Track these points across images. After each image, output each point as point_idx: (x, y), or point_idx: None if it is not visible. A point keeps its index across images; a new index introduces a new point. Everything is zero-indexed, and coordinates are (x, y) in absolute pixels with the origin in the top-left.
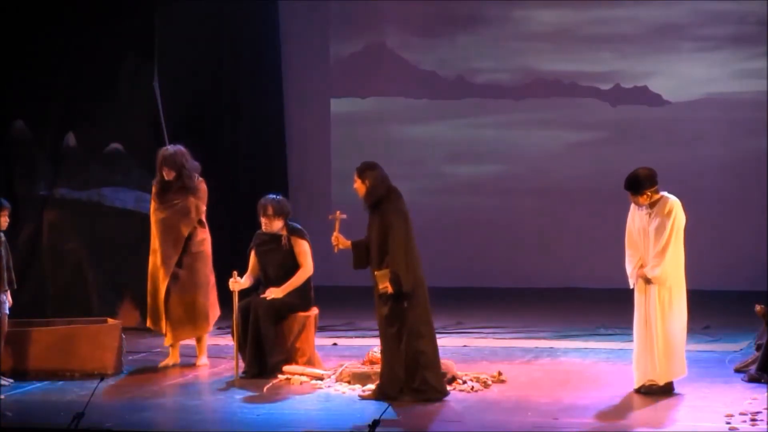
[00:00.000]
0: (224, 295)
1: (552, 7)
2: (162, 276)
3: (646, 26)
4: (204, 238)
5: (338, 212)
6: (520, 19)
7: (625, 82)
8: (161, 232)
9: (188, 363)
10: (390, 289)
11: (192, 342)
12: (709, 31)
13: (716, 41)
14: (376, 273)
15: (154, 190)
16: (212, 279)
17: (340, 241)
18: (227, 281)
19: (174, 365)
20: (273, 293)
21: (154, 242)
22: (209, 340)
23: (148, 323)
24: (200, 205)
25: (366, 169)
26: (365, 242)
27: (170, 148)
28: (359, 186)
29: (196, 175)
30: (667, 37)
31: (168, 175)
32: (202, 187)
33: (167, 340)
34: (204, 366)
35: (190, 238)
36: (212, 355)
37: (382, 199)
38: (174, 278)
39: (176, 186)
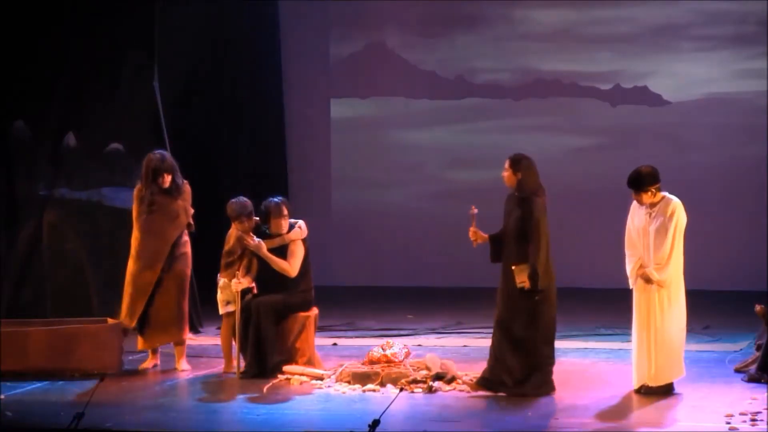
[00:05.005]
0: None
1: (552, 7)
2: (146, 282)
3: (646, 26)
4: (186, 240)
5: (473, 207)
6: (520, 19)
7: (625, 82)
8: (148, 237)
9: (190, 363)
10: (528, 285)
11: (192, 343)
12: (709, 31)
13: (716, 41)
14: (513, 267)
15: (136, 194)
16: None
17: (478, 235)
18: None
19: (155, 367)
20: (258, 245)
21: (136, 246)
22: (209, 340)
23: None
24: (188, 207)
25: (521, 160)
26: (501, 236)
27: (164, 154)
28: (509, 176)
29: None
30: (667, 37)
31: (167, 181)
32: (187, 188)
33: (149, 344)
34: (186, 371)
35: (175, 241)
36: (212, 356)
37: (533, 194)
38: (158, 282)
39: (161, 189)
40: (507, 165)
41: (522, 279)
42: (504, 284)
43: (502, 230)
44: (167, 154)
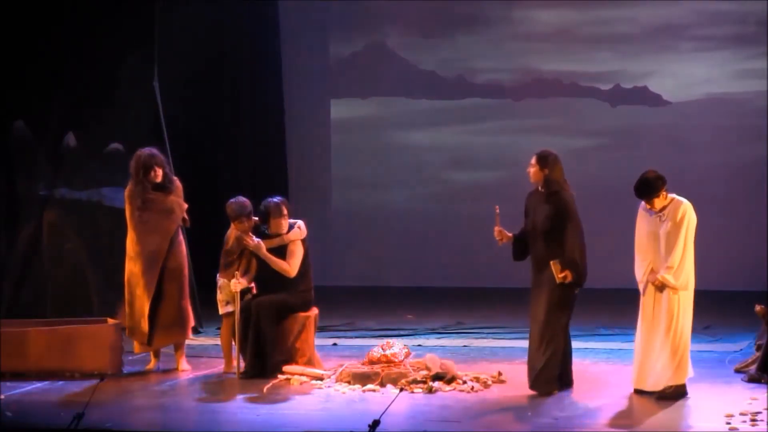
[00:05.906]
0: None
1: (552, 7)
2: (146, 282)
3: (646, 26)
4: (182, 239)
5: (497, 207)
6: (520, 19)
7: (625, 83)
8: (146, 235)
9: (190, 363)
10: (570, 277)
11: (192, 343)
12: (709, 31)
13: (716, 41)
14: (552, 263)
15: (128, 194)
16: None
17: (503, 234)
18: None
19: (158, 369)
20: (257, 246)
21: (134, 247)
22: (209, 340)
23: (128, 333)
24: (181, 202)
25: (548, 156)
26: (525, 234)
27: (152, 149)
28: (535, 171)
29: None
30: (667, 37)
31: (159, 175)
32: (178, 184)
33: (152, 346)
34: (186, 371)
35: (171, 239)
36: (212, 356)
37: (561, 189)
38: (159, 283)
39: (152, 186)
40: (534, 161)
41: (561, 272)
42: (534, 280)
43: (524, 229)
44: (155, 150)
